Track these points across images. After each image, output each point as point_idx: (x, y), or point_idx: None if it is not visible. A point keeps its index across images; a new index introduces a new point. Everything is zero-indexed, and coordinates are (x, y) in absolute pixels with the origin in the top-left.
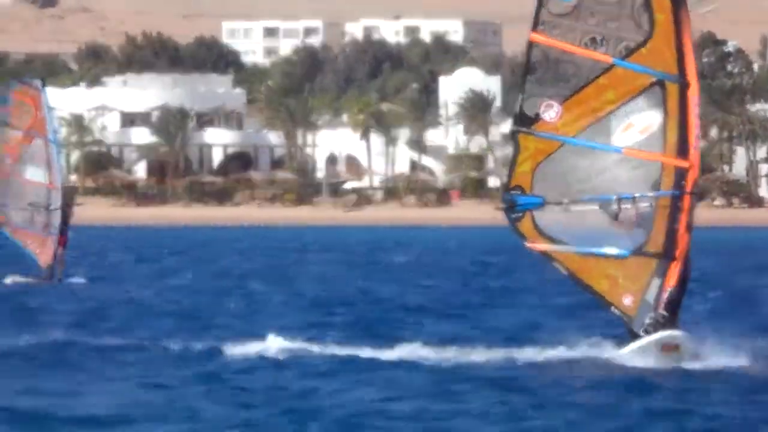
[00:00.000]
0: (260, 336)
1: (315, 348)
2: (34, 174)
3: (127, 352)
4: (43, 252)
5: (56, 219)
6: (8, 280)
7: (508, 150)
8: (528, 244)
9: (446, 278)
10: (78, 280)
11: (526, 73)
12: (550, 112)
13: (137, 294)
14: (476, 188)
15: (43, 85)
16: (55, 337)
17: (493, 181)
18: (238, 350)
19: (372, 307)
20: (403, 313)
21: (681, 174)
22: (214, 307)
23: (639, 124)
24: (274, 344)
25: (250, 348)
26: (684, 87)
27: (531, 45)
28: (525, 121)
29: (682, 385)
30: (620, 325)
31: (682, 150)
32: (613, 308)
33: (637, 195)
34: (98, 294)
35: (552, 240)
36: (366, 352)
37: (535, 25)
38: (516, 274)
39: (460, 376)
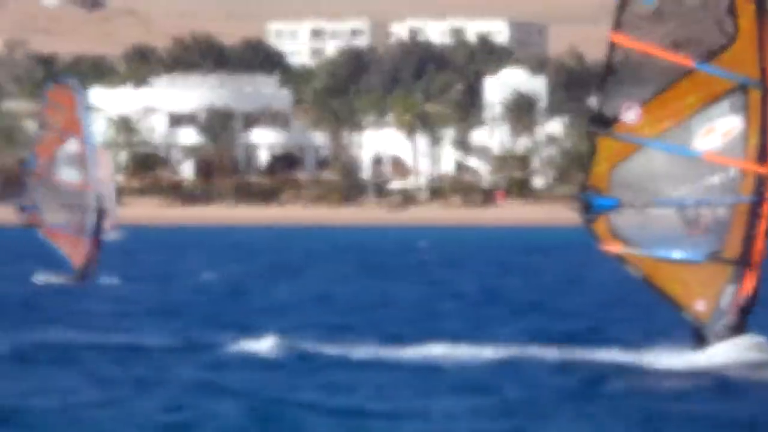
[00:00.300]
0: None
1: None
2: (69, 174)
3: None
4: (75, 252)
5: (90, 220)
6: (40, 279)
7: (553, 150)
8: (602, 247)
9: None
10: (111, 280)
11: (607, 74)
12: (630, 114)
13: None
14: (521, 188)
15: (84, 88)
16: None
17: (538, 182)
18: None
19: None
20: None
21: (761, 180)
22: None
23: (720, 129)
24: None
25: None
26: (766, 93)
27: (612, 46)
28: (603, 122)
29: None
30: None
31: (763, 156)
32: (685, 312)
33: (714, 200)
34: (125, 294)
35: (626, 242)
36: None
37: (617, 27)
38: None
39: None
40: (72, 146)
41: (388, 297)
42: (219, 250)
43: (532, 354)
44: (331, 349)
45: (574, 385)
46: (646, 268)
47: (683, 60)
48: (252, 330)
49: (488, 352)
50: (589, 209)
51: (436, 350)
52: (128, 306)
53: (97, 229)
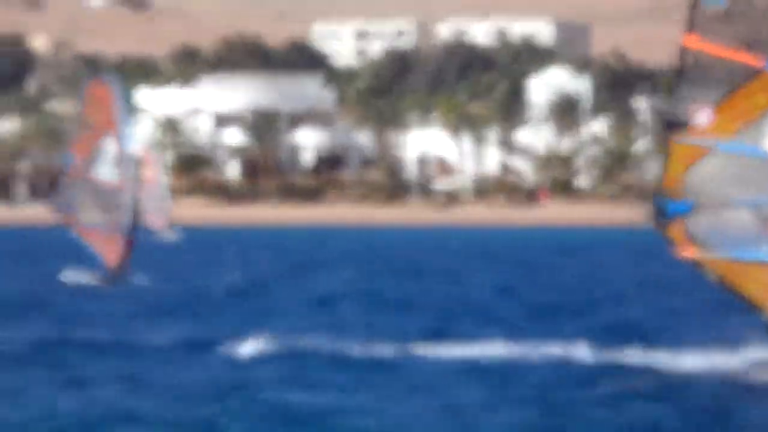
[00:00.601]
0: None
1: None
2: (105, 173)
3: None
4: (109, 252)
5: (125, 219)
6: (69, 277)
7: (596, 150)
8: (677, 252)
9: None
10: (142, 280)
11: (679, 77)
12: (702, 117)
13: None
14: (565, 188)
15: (129, 88)
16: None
17: (582, 182)
18: None
19: None
20: None
21: None
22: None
23: None
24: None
25: None
26: None
27: (684, 48)
28: (676, 125)
29: None
30: None
31: None
32: (763, 313)
33: None
34: (144, 293)
35: (702, 245)
36: None
37: (689, 29)
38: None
39: None
40: (109, 145)
41: (410, 296)
42: (257, 249)
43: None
44: (320, 348)
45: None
46: (723, 270)
47: (753, 60)
48: (250, 331)
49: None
50: (663, 214)
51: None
52: (138, 306)
53: (132, 230)
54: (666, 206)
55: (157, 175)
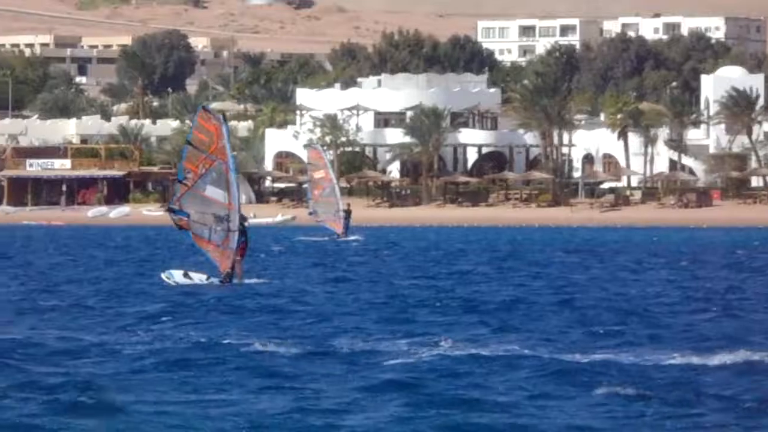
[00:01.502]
0: None
1: None
2: (214, 193)
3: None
4: (222, 260)
5: (234, 238)
6: (169, 276)
7: None
8: None
9: None
10: (259, 281)
11: None
12: None
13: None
14: (738, 188)
15: (224, 120)
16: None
17: (756, 181)
18: None
19: None
20: None
21: None
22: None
23: None
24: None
25: None
26: None
27: None
28: None
29: None
30: None
31: None
32: None
33: None
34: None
35: None
36: None
37: None
38: None
39: None
40: (217, 169)
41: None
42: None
43: None
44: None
45: None
46: None
47: None
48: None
49: None
50: None
51: None
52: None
53: (242, 239)
54: None
55: (330, 174)
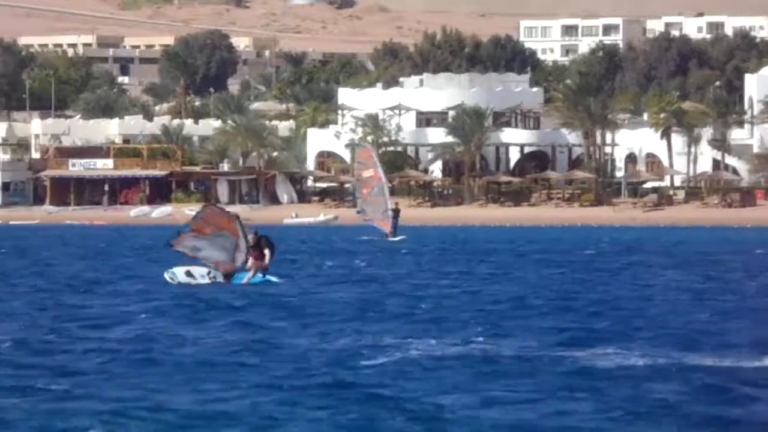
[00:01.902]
0: None
1: None
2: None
3: None
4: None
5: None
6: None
7: None
8: None
9: None
10: (275, 279)
11: None
12: None
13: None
14: None
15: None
16: None
17: None
18: None
19: None
20: None
21: None
22: None
23: None
24: None
25: None
26: None
27: None
28: None
29: None
30: None
31: None
32: None
33: None
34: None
35: None
36: None
37: None
38: None
39: None
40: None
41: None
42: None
43: None
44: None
45: None
46: None
47: None
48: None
49: None
50: None
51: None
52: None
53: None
54: None
55: (380, 173)
